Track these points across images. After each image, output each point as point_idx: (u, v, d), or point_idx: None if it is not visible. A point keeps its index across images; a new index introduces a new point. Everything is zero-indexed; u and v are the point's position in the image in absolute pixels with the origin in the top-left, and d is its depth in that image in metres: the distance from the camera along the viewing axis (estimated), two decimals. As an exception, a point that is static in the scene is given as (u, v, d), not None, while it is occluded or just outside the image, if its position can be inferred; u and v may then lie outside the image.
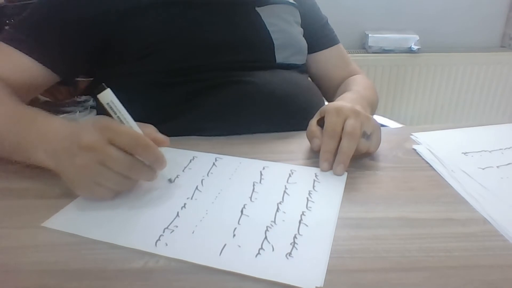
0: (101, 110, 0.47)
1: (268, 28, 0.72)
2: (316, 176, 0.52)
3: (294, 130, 0.65)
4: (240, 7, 0.72)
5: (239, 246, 0.39)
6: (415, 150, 0.60)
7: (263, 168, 0.54)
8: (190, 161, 0.56)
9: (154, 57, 0.66)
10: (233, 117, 0.65)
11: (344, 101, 0.60)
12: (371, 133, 0.55)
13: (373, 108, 0.76)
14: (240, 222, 0.43)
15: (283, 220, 0.43)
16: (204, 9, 0.69)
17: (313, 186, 0.50)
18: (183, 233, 0.41)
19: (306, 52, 0.81)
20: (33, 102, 0.70)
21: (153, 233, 0.41)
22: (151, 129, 0.48)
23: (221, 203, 0.46)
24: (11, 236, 0.41)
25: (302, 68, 0.79)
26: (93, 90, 0.75)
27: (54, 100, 0.74)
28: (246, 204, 0.46)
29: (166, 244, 0.40)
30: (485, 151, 0.59)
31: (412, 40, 1.69)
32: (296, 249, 0.39)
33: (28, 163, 0.50)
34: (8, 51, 0.62)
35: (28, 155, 0.49)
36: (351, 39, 1.77)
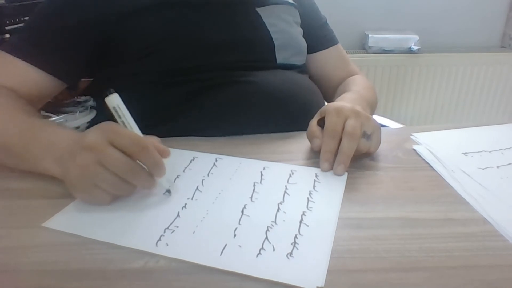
0: (108, 114, 0.47)
1: (269, 29, 0.72)
2: (316, 176, 0.52)
3: (294, 130, 0.65)
4: (240, 7, 0.72)
5: (240, 246, 0.39)
6: (415, 150, 0.60)
7: (264, 168, 0.54)
8: (191, 161, 0.56)
9: (154, 57, 0.66)
10: (233, 117, 0.65)
11: (344, 101, 0.60)
12: (371, 133, 0.55)
13: (372, 108, 0.77)
14: (240, 222, 0.43)
15: (284, 220, 0.43)
16: (204, 10, 0.69)
17: (314, 186, 0.50)
18: (183, 233, 0.41)
19: (306, 52, 0.81)
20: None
21: (153, 233, 0.41)
22: (154, 140, 0.48)
23: (222, 203, 0.46)
24: (11, 236, 0.42)
25: (302, 69, 0.80)
26: (92, 91, 0.76)
27: (54, 100, 0.74)
28: (246, 204, 0.46)
29: (167, 244, 0.40)
30: (485, 151, 0.59)
31: (412, 40, 1.69)
32: (297, 249, 0.39)
33: (35, 172, 0.50)
34: (13, 62, 0.62)
35: (36, 164, 0.49)
36: (351, 39, 1.77)
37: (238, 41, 0.70)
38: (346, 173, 0.53)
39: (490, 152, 0.59)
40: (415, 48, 1.69)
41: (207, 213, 0.45)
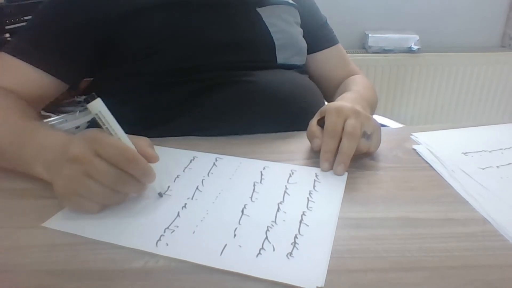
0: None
1: (269, 29, 0.72)
2: (316, 176, 0.52)
3: (294, 130, 0.65)
4: (241, 7, 0.72)
5: (240, 246, 0.39)
6: (415, 150, 0.60)
7: (264, 168, 0.54)
8: (191, 161, 0.56)
9: (155, 57, 0.66)
10: (233, 117, 0.65)
11: (344, 101, 0.60)
12: (371, 133, 0.55)
13: (372, 108, 0.77)
14: (240, 222, 0.43)
15: (284, 220, 0.43)
16: (205, 10, 0.69)
17: (314, 186, 0.50)
18: (184, 233, 0.41)
19: (306, 52, 0.81)
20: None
21: (153, 233, 0.41)
22: (143, 142, 0.46)
23: (222, 203, 0.46)
24: (11, 236, 0.41)
25: (302, 69, 0.80)
26: (92, 91, 0.76)
27: (54, 100, 0.75)
28: (246, 204, 0.46)
29: (167, 244, 0.40)
30: (485, 151, 0.59)
31: (412, 40, 1.69)
32: (297, 249, 0.39)
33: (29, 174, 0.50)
34: (15, 64, 0.62)
35: (29, 168, 0.49)
36: (351, 39, 1.77)
37: (239, 41, 0.70)
38: (346, 173, 0.53)
39: (490, 152, 0.59)
40: (415, 47, 1.69)
41: (207, 213, 0.45)
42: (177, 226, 0.42)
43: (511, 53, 1.77)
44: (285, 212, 0.45)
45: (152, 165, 0.44)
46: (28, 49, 0.63)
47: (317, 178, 0.52)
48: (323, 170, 0.53)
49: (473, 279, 0.36)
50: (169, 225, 0.42)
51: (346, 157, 0.52)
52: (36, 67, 0.62)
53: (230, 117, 0.65)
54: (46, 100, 0.67)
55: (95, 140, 0.42)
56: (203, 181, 0.51)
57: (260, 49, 0.72)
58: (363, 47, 1.76)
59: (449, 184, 0.51)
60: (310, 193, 0.48)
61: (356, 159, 0.55)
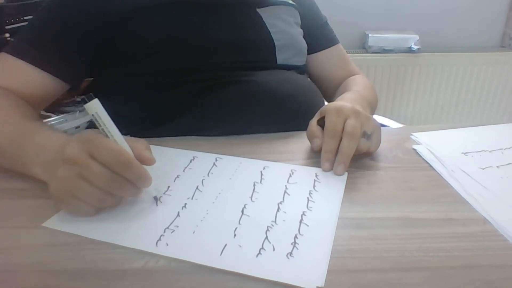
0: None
1: (269, 29, 0.72)
2: (316, 176, 0.52)
3: (294, 130, 0.65)
4: (241, 8, 0.72)
5: (240, 246, 0.39)
6: (415, 150, 0.60)
7: (264, 168, 0.54)
8: (191, 161, 0.56)
9: (155, 58, 0.66)
10: (233, 117, 0.65)
11: (344, 101, 0.60)
12: (371, 133, 0.55)
13: (372, 108, 0.76)
14: (240, 222, 0.43)
15: (284, 220, 0.43)
16: (205, 10, 0.69)
17: (314, 186, 0.50)
18: (183, 233, 0.41)
19: (306, 53, 0.81)
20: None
21: (153, 233, 0.41)
22: (140, 145, 0.45)
23: (222, 203, 0.46)
24: (11, 236, 0.42)
25: (302, 69, 0.80)
26: (92, 91, 0.76)
27: (54, 100, 0.75)
28: (246, 204, 0.46)
29: (167, 244, 0.40)
30: (485, 151, 0.59)
31: (412, 40, 1.69)
32: (297, 249, 0.39)
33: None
34: (16, 64, 0.62)
35: (27, 169, 0.49)
36: (351, 39, 1.77)
37: (239, 42, 0.70)
38: (346, 173, 0.53)
39: (490, 152, 0.59)
40: (415, 47, 1.69)
41: (207, 213, 0.45)
42: (177, 226, 0.42)
43: (511, 53, 1.77)
44: (285, 212, 0.45)
45: (150, 167, 0.44)
46: (29, 50, 0.63)
47: (317, 178, 0.52)
48: (324, 170, 0.53)
49: (473, 279, 0.36)
50: (169, 225, 0.42)
51: (346, 157, 0.52)
52: (37, 67, 0.62)
53: (230, 117, 0.65)
54: (47, 100, 0.67)
55: (90, 142, 0.42)
56: (203, 181, 0.51)
57: (260, 50, 0.72)
58: (363, 47, 1.76)
59: (449, 184, 0.51)
60: (310, 193, 0.48)
61: (356, 159, 0.55)
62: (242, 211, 0.45)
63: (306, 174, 0.53)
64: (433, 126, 0.68)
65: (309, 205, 0.46)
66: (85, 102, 0.42)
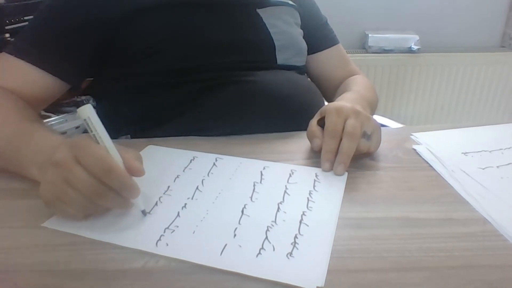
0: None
1: (269, 30, 0.72)
2: (316, 176, 0.52)
3: (294, 130, 0.65)
4: (241, 8, 0.72)
5: (240, 246, 0.39)
6: (415, 150, 0.60)
7: (264, 168, 0.54)
8: (191, 161, 0.56)
9: (155, 58, 0.66)
10: (233, 117, 0.65)
11: (344, 101, 0.60)
12: (372, 133, 0.55)
13: (372, 108, 0.76)
14: (240, 222, 0.43)
15: (284, 220, 0.43)
16: (205, 11, 0.69)
17: (314, 186, 0.50)
18: (184, 233, 0.41)
19: (306, 53, 0.81)
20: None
21: (153, 233, 0.41)
22: (130, 155, 0.43)
23: (222, 203, 0.46)
24: (11, 236, 0.42)
25: (302, 69, 0.80)
26: (92, 91, 0.76)
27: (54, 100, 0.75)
28: (246, 204, 0.46)
29: (167, 244, 0.40)
30: (485, 151, 0.59)
31: (412, 40, 1.69)
32: (297, 249, 0.39)
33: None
34: (16, 64, 0.62)
35: (25, 170, 0.49)
36: (351, 39, 1.77)
37: (239, 42, 0.70)
38: (346, 173, 0.53)
39: (490, 152, 0.59)
40: (415, 48, 1.69)
41: (207, 213, 0.45)
42: (177, 226, 0.42)
43: (511, 53, 1.77)
44: (285, 212, 0.45)
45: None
46: (30, 50, 0.63)
47: (317, 178, 0.52)
48: (324, 170, 0.53)
49: (473, 279, 0.36)
50: (169, 225, 0.42)
51: (346, 157, 0.52)
52: (37, 67, 0.62)
53: (230, 117, 0.65)
54: (47, 100, 0.67)
55: (77, 146, 0.41)
56: (203, 181, 0.51)
57: (260, 50, 0.72)
58: (363, 47, 1.76)
59: (449, 184, 0.51)
60: (310, 193, 0.48)
61: (356, 159, 0.55)
62: (242, 211, 0.45)
63: (306, 174, 0.53)
64: (433, 126, 0.68)
65: (309, 205, 0.46)
66: (78, 107, 0.41)
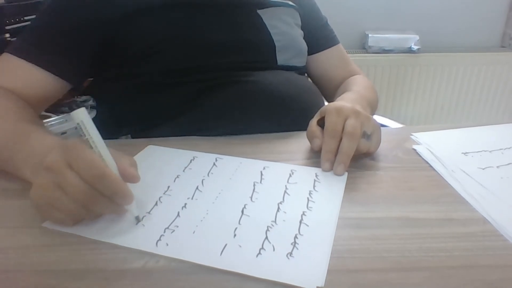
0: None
1: (270, 30, 0.73)
2: (316, 176, 0.52)
3: (294, 130, 0.65)
4: (241, 9, 0.72)
5: (240, 246, 0.39)
6: (415, 150, 0.60)
7: (264, 168, 0.54)
8: (191, 161, 0.56)
9: (156, 58, 0.66)
10: (233, 117, 0.65)
11: (344, 101, 0.60)
12: (371, 133, 0.55)
13: (373, 108, 0.77)
14: (240, 222, 0.43)
15: (284, 220, 0.43)
16: (206, 11, 0.69)
17: (314, 186, 0.50)
18: (184, 233, 0.41)
19: (306, 54, 0.81)
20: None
21: (153, 233, 0.41)
22: (126, 161, 0.43)
23: (222, 203, 0.46)
24: (11, 236, 0.42)
25: (302, 70, 0.80)
26: (92, 91, 0.76)
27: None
28: (246, 204, 0.46)
29: (167, 244, 0.40)
30: (485, 151, 0.59)
31: (412, 40, 1.69)
32: (297, 249, 0.39)
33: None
34: (18, 64, 0.62)
35: (19, 171, 0.49)
36: (351, 39, 1.78)
37: (239, 42, 0.70)
38: (346, 173, 0.53)
39: (490, 152, 0.59)
40: (415, 48, 1.69)
41: (207, 213, 0.45)
42: (177, 226, 0.42)
43: (511, 53, 1.77)
44: (285, 212, 0.45)
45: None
46: (31, 50, 0.63)
47: (317, 178, 0.52)
48: (324, 170, 0.53)
49: (473, 279, 0.36)
50: (169, 225, 0.42)
51: (346, 157, 0.52)
52: (39, 67, 0.62)
53: (230, 117, 0.65)
54: (48, 100, 0.67)
55: (69, 150, 0.39)
56: (203, 181, 0.51)
57: (260, 50, 0.72)
58: (363, 47, 1.76)
59: (449, 184, 0.51)
60: (310, 193, 0.48)
61: (356, 159, 0.55)
62: (242, 211, 0.45)
63: (306, 174, 0.53)
64: (433, 126, 0.68)
65: (309, 205, 0.46)
66: (72, 110, 0.41)
